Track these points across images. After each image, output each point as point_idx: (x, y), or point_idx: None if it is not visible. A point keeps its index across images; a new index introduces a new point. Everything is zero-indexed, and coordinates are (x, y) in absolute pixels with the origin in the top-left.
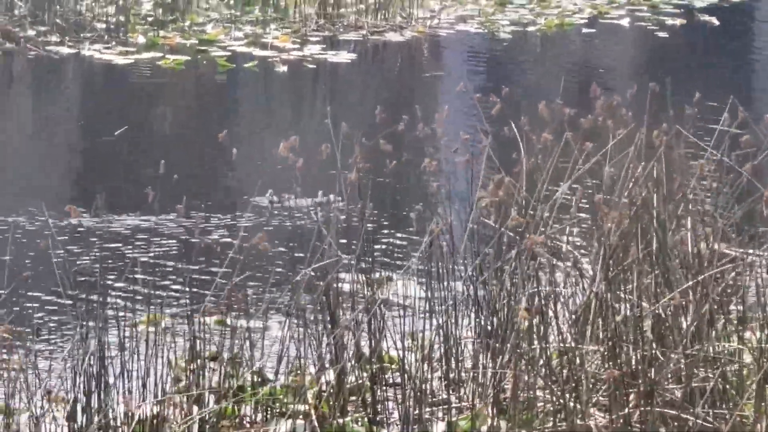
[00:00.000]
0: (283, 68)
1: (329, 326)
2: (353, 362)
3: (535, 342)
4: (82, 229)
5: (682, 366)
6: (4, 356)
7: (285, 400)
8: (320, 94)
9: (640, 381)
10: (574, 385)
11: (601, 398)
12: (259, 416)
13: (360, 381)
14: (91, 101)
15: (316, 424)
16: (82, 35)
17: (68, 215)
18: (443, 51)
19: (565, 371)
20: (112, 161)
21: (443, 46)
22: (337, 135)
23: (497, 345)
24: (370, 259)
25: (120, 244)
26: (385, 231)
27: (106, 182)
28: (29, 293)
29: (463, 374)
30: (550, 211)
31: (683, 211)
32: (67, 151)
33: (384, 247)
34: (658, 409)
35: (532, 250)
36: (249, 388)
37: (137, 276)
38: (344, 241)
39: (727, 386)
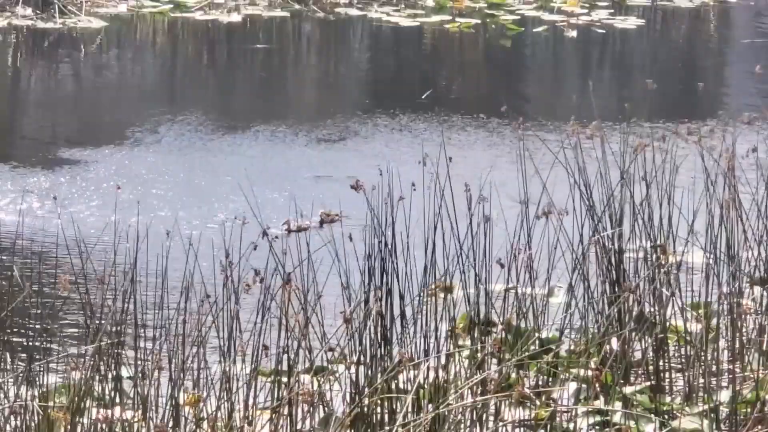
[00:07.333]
0: (573, 33)
1: (614, 293)
2: (637, 330)
3: None
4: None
5: None
6: (288, 313)
7: (568, 366)
8: (618, 60)
9: None
10: None
11: None
12: (541, 381)
13: (644, 349)
14: (383, 62)
15: (599, 390)
16: None
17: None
18: (733, 19)
19: None
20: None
21: (732, 14)
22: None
23: None
24: (652, 228)
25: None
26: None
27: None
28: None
29: (747, 344)
30: None
31: None
32: (379, 112)
33: (669, 214)
34: None
35: None
36: (531, 354)
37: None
38: (630, 209)
39: None
